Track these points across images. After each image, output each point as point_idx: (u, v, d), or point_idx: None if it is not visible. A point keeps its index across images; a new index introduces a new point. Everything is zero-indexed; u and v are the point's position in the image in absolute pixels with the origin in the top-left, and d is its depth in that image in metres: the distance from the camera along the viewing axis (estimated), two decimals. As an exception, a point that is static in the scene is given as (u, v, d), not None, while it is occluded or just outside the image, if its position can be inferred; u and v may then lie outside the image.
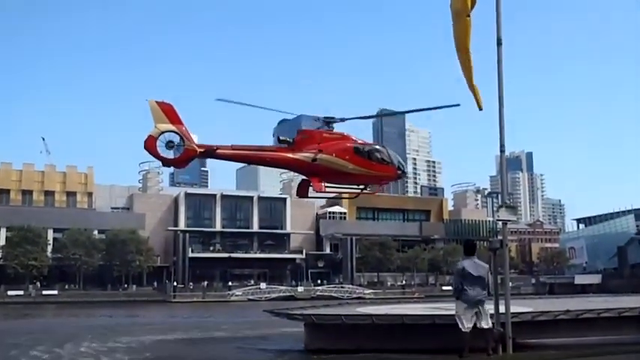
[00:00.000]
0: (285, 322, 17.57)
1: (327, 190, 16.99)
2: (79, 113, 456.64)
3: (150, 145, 15.50)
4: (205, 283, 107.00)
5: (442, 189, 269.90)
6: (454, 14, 13.11)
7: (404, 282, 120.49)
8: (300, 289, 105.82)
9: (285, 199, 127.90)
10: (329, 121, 16.88)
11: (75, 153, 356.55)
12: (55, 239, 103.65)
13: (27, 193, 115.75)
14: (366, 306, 21.69)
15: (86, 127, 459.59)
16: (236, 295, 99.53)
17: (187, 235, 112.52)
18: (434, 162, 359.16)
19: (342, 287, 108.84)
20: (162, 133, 15.45)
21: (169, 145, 15.51)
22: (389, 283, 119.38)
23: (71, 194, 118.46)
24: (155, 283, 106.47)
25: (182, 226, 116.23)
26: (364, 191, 17.78)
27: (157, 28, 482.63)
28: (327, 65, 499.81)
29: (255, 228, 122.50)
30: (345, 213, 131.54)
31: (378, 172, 17.04)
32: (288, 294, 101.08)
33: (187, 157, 15.89)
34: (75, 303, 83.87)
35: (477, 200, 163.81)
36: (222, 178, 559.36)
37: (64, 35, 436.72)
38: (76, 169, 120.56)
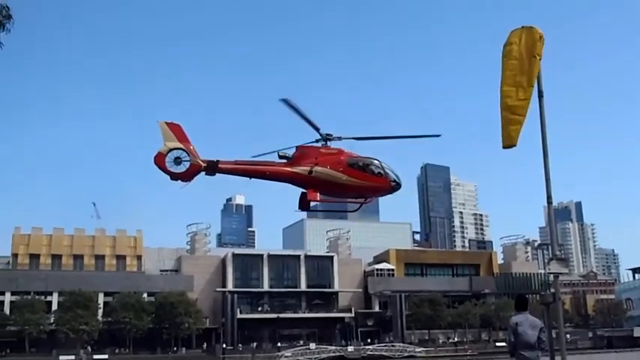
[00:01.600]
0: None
1: (323, 200, 18.05)
2: (127, 176, 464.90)
3: (159, 160, 16.82)
4: (254, 344, 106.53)
5: (490, 242, 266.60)
6: (519, 54, 13.62)
7: (456, 339, 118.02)
8: (350, 348, 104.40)
9: (332, 257, 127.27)
10: (327, 139, 17.79)
11: (124, 217, 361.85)
12: (105, 303, 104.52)
13: (78, 258, 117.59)
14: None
15: (134, 190, 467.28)
16: (285, 357, 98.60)
17: (235, 295, 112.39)
18: (481, 215, 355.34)
19: (392, 346, 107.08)
20: (171, 150, 16.78)
21: (177, 160, 16.79)
22: (440, 341, 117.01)
23: (121, 258, 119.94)
24: (204, 345, 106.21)
25: (230, 286, 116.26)
26: (363, 203, 18.76)
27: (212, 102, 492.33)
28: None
29: (303, 287, 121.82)
30: (392, 270, 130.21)
31: (371, 183, 17.97)
32: (338, 354, 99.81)
33: (193, 171, 17.00)
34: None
35: (527, 252, 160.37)
36: (268, 238, 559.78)
37: (112, 101, 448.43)
38: (125, 233, 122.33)
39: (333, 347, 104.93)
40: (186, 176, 17.06)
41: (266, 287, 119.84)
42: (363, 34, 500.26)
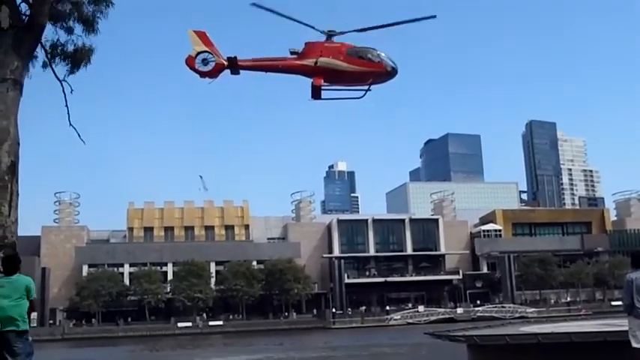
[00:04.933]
0: (446, 344, 17.30)
1: (327, 85, 20.41)
2: (231, 148, 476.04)
3: (189, 62, 19.86)
4: (363, 308, 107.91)
5: (602, 199, 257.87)
6: None
7: (568, 299, 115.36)
8: (459, 310, 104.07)
9: (437, 219, 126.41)
10: (331, 35, 20.23)
11: (230, 188, 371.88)
12: (217, 272, 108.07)
13: (189, 229, 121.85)
14: (530, 325, 20.90)
15: (240, 162, 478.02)
16: (394, 319, 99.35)
17: (342, 261, 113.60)
18: (591, 171, 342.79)
19: (502, 307, 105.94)
20: (199, 53, 19.71)
21: (204, 61, 19.74)
22: (552, 301, 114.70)
23: (229, 227, 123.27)
24: (314, 310, 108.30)
25: (336, 252, 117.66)
26: (367, 90, 20.73)
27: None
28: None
29: (409, 251, 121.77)
30: (500, 230, 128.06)
31: (369, 68, 20.40)
32: (447, 316, 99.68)
33: (218, 69, 19.95)
34: (240, 333, 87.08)
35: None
36: (372, 203, 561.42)
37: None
38: (232, 204, 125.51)
39: (442, 309, 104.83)
40: (213, 74, 19.99)
41: (372, 252, 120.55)
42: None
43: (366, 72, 20.49)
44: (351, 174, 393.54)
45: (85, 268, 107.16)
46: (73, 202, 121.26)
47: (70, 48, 15.07)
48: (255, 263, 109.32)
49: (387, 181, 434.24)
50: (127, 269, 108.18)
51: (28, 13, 13.27)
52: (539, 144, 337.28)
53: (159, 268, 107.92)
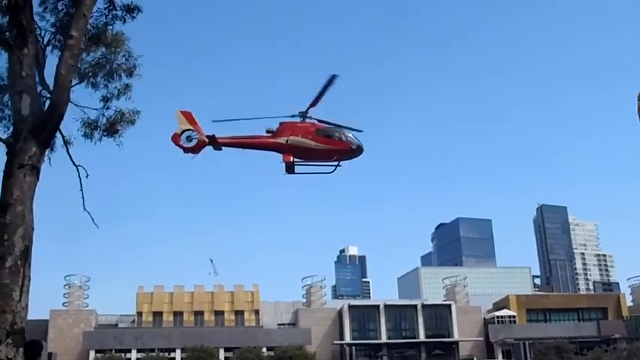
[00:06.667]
0: None
1: (297, 161, 22.40)
2: (243, 232, 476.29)
3: (175, 139, 21.97)
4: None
5: (617, 283, 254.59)
6: None
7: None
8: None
9: (449, 305, 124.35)
10: (303, 116, 22.36)
11: (240, 272, 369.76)
12: (226, 358, 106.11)
13: (199, 314, 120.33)
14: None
15: (251, 246, 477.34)
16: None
17: (354, 348, 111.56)
18: (604, 255, 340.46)
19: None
20: (184, 131, 21.75)
21: (188, 138, 21.94)
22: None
23: (239, 312, 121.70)
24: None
25: (348, 339, 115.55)
26: (337, 166, 22.89)
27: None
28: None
29: (422, 337, 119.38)
30: (514, 316, 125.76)
31: (335, 146, 22.60)
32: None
33: (200, 146, 22.03)
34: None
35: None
36: (383, 287, 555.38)
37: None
38: (242, 288, 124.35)
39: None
40: (195, 150, 22.03)
41: (384, 338, 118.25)
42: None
43: (333, 150, 22.64)
44: (363, 258, 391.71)
45: (92, 354, 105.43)
46: (82, 285, 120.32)
47: (103, 121, 15.71)
48: (264, 350, 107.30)
49: (399, 265, 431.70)
50: (134, 355, 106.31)
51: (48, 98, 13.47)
52: (551, 228, 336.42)
53: (167, 354, 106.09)
